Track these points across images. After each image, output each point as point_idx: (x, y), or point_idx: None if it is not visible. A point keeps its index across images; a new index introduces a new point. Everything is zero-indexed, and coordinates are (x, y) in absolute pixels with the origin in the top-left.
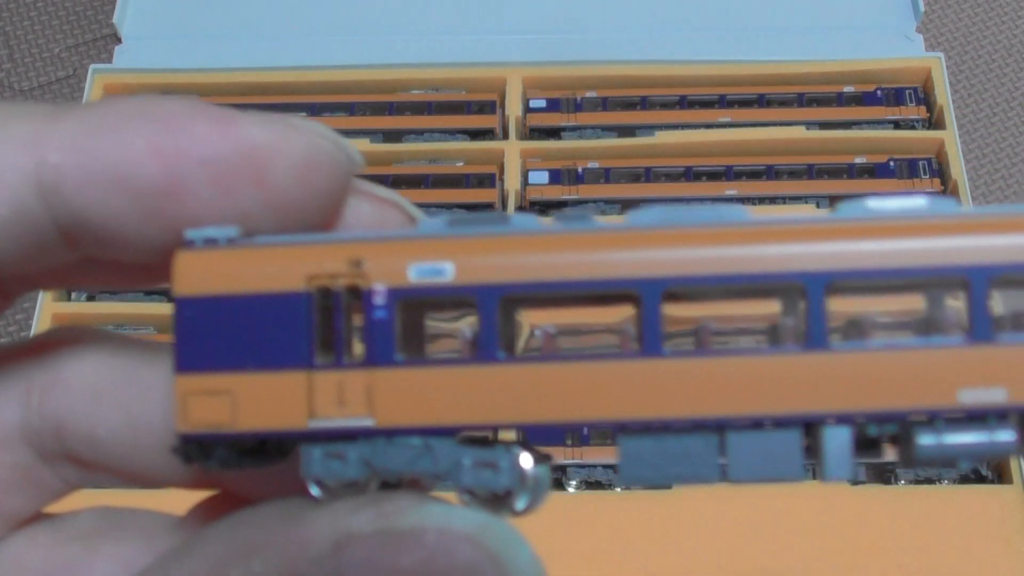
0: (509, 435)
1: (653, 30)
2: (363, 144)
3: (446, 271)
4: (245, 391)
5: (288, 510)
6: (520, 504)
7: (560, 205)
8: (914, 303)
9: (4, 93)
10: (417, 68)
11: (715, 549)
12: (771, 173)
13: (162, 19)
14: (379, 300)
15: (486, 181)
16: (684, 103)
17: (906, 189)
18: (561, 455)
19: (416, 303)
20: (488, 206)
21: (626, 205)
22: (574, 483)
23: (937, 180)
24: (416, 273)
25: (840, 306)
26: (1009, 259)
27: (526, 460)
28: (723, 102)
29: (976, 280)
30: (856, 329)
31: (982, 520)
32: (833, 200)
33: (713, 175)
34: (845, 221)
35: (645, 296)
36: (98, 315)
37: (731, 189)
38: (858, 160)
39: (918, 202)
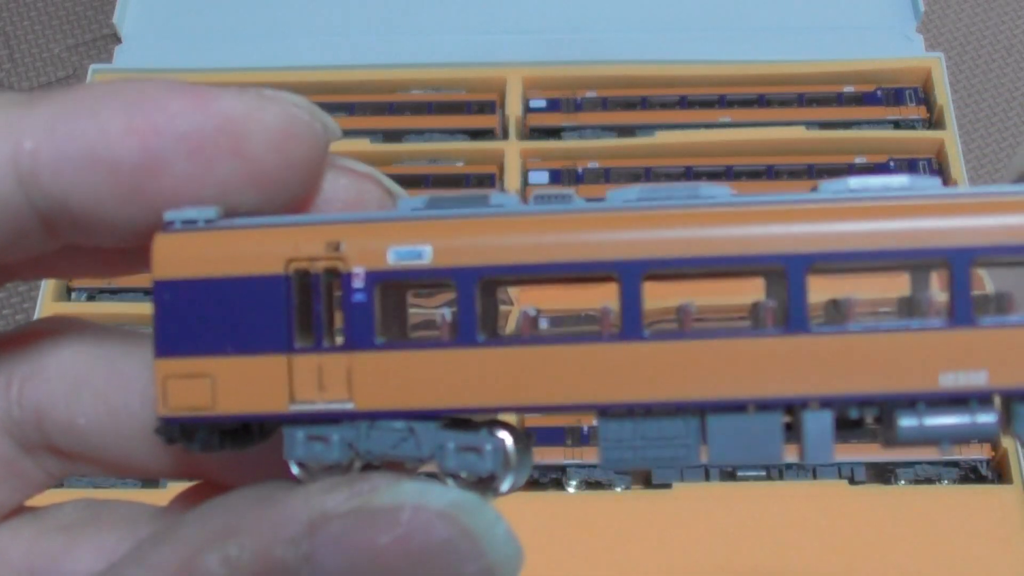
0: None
1: (653, 30)
2: (363, 144)
3: (424, 254)
4: (225, 375)
5: (264, 493)
6: (505, 486)
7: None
8: (897, 285)
9: None
10: (417, 68)
11: (715, 549)
12: (771, 173)
13: (162, 19)
14: (358, 283)
15: (486, 181)
16: (684, 103)
17: None
18: (561, 455)
19: (396, 285)
20: None
21: None
22: (574, 483)
23: (937, 180)
24: (395, 256)
25: (823, 287)
26: (991, 241)
27: (509, 442)
28: (723, 102)
29: (957, 262)
30: (838, 311)
31: (982, 520)
32: None
33: (713, 175)
34: (827, 202)
35: (625, 278)
36: (98, 315)
37: (731, 189)
38: (858, 160)
39: (900, 181)
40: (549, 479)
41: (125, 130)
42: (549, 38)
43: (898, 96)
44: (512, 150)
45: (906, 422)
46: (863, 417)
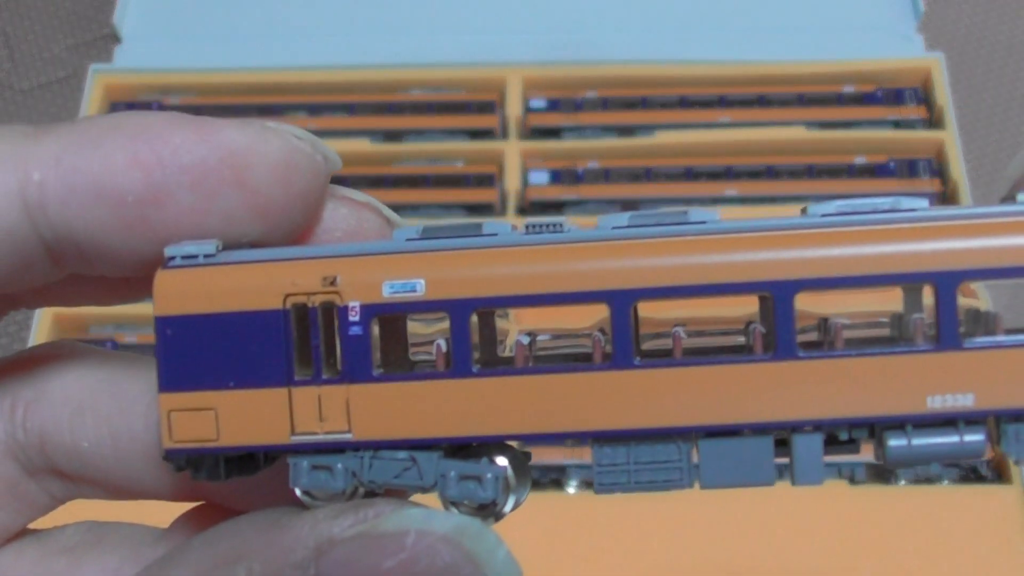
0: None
1: (653, 30)
2: (363, 144)
3: (418, 287)
4: (228, 407)
5: (271, 519)
6: (507, 509)
7: (560, 205)
8: (892, 295)
9: (4, 93)
10: (417, 68)
11: (714, 549)
12: (771, 173)
13: (162, 19)
14: (354, 316)
15: (486, 181)
16: (684, 103)
17: (906, 189)
18: (561, 455)
19: (391, 317)
20: (488, 206)
21: (626, 205)
22: (574, 483)
23: (937, 180)
24: (389, 289)
25: (816, 300)
26: (977, 263)
27: (508, 470)
28: (723, 102)
29: (944, 286)
30: (827, 333)
31: (982, 520)
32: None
33: (713, 175)
34: (813, 228)
35: (616, 307)
36: (99, 315)
37: (731, 189)
38: (858, 160)
39: (887, 202)
40: (549, 479)
41: (129, 163)
42: (549, 38)
43: (898, 96)
44: (512, 150)
45: (895, 443)
46: (853, 437)
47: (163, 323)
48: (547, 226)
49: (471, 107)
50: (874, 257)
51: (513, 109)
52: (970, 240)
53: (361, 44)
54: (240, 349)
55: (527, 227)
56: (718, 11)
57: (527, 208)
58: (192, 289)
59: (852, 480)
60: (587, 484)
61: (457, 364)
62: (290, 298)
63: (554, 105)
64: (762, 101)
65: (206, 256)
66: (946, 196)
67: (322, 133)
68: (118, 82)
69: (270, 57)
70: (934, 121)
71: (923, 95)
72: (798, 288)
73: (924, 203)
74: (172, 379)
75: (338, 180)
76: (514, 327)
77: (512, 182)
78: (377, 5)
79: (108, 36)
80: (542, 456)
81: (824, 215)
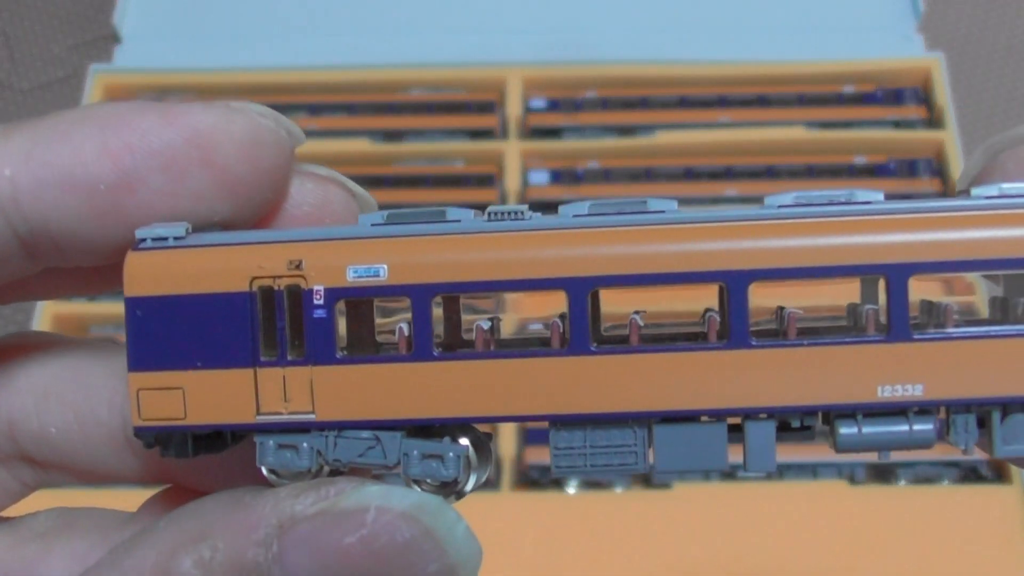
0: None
1: (653, 30)
2: (363, 144)
3: (381, 271)
4: (195, 387)
5: (235, 498)
6: (468, 487)
7: (560, 205)
8: (849, 288)
9: (4, 93)
10: (417, 68)
11: (714, 549)
12: (771, 173)
13: (162, 19)
14: (318, 300)
15: (486, 181)
16: (684, 103)
17: (906, 189)
18: None
19: (355, 301)
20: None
21: None
22: (574, 483)
23: (937, 180)
24: (353, 273)
25: (775, 290)
26: (928, 256)
27: (470, 449)
28: (723, 102)
29: (894, 278)
30: (782, 322)
31: (982, 520)
32: None
33: (713, 175)
34: (768, 219)
35: (572, 295)
36: (99, 315)
37: (731, 189)
38: (858, 160)
39: (843, 194)
40: (549, 479)
41: (99, 152)
42: (549, 38)
43: (898, 96)
44: (512, 150)
45: (845, 431)
46: (805, 424)
47: (133, 304)
48: (509, 214)
49: (471, 107)
50: (826, 249)
51: (513, 109)
52: (922, 233)
53: (361, 44)
54: (207, 330)
55: (489, 214)
56: (718, 11)
57: None
58: (162, 271)
59: (852, 480)
60: (587, 484)
61: (418, 348)
62: (256, 281)
63: (554, 105)
64: (762, 101)
65: (176, 239)
66: (946, 196)
67: (322, 133)
68: (118, 82)
69: (270, 57)
70: (934, 121)
71: (923, 95)
72: (751, 278)
73: (879, 196)
74: (141, 359)
75: None
76: (511, 316)
77: (512, 182)
78: (377, 5)
79: (108, 36)
80: (542, 456)
81: (780, 206)
